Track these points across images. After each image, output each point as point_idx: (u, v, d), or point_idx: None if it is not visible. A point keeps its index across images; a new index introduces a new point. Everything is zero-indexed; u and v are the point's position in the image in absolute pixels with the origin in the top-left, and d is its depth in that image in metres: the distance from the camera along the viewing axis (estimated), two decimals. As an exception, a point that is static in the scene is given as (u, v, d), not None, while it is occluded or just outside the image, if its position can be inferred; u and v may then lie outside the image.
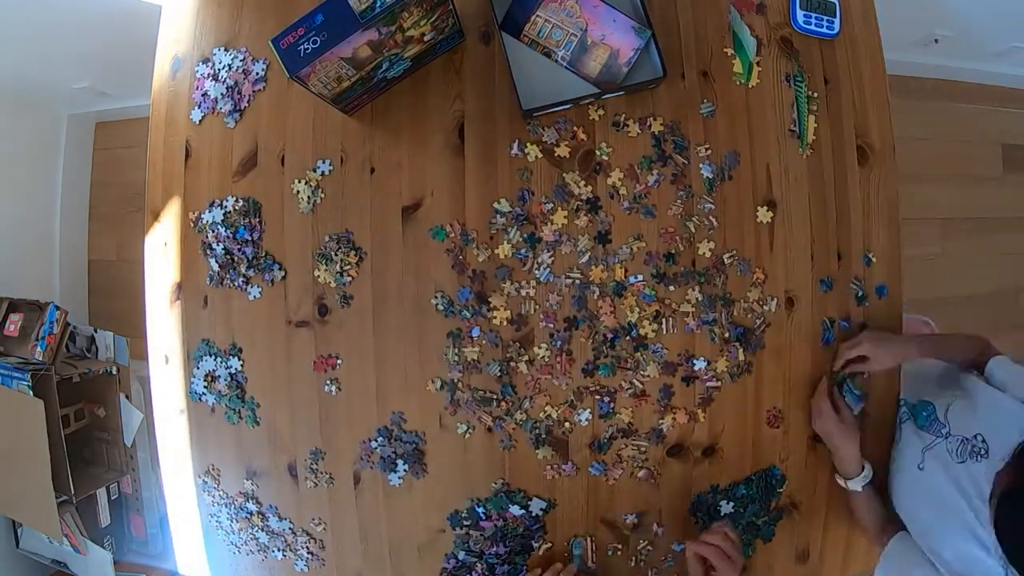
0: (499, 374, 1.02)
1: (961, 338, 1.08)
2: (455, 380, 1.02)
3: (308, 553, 1.11)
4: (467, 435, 1.03)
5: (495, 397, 1.02)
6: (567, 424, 1.04)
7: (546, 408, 1.03)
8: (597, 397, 1.03)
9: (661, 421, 1.05)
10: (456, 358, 1.02)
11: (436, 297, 1.02)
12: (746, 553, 1.10)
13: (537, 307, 1.02)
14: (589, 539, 1.07)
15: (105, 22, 1.63)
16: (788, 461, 1.10)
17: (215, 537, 1.16)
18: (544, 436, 1.03)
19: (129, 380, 1.81)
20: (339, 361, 1.04)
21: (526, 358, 1.02)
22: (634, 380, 1.03)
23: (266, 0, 1.08)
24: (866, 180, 1.10)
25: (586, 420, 1.03)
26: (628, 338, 1.03)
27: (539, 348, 1.02)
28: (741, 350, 1.06)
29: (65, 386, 1.60)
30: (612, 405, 1.03)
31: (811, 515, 1.13)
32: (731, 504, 1.08)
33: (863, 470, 1.04)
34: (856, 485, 1.04)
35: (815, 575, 1.16)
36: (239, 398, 1.08)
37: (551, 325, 1.02)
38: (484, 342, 1.02)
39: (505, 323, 1.01)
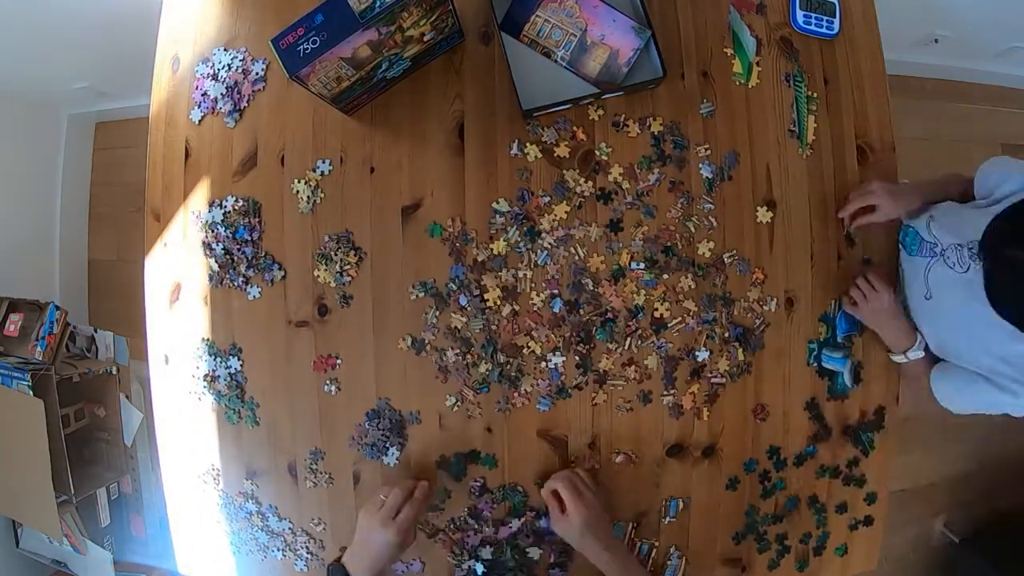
0: (482, 327, 1.02)
1: (953, 176, 1.06)
2: (426, 340, 1.02)
3: (308, 553, 1.11)
4: (454, 408, 1.03)
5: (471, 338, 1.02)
6: (544, 364, 1.03)
7: (528, 344, 1.02)
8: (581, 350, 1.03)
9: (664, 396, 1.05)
10: (435, 320, 1.02)
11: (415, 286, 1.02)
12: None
13: (532, 285, 1.02)
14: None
15: (105, 22, 1.63)
16: (788, 461, 1.10)
17: (215, 537, 1.16)
18: (517, 375, 1.02)
19: (129, 380, 1.81)
20: (339, 361, 1.04)
21: (512, 308, 1.01)
22: (633, 357, 1.04)
23: (266, 0, 1.08)
24: (866, 179, 1.10)
25: (559, 363, 1.02)
26: (636, 320, 1.03)
27: (533, 297, 1.02)
28: (740, 350, 1.06)
29: (65, 386, 1.60)
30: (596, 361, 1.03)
31: (811, 515, 1.13)
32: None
33: (916, 340, 1.02)
34: (916, 354, 1.03)
35: (815, 575, 1.16)
36: (239, 398, 1.08)
37: (546, 292, 1.02)
38: (469, 309, 1.02)
39: (497, 302, 1.01)
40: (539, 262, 1.02)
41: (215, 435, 1.11)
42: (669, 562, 1.10)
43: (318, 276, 1.04)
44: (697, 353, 1.04)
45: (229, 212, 1.07)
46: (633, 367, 1.04)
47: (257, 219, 1.06)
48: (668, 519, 1.08)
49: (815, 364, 1.09)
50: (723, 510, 1.10)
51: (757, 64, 1.07)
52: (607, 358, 1.04)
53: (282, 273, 1.05)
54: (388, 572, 0.96)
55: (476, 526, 1.05)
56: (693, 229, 1.04)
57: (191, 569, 1.18)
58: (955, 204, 0.99)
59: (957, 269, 0.91)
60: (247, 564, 1.15)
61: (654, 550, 1.09)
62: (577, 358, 1.03)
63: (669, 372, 1.05)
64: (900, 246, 1.07)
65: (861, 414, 1.12)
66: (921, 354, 1.03)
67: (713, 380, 1.05)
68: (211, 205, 1.08)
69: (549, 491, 0.98)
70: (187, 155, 1.10)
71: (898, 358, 1.06)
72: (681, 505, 1.08)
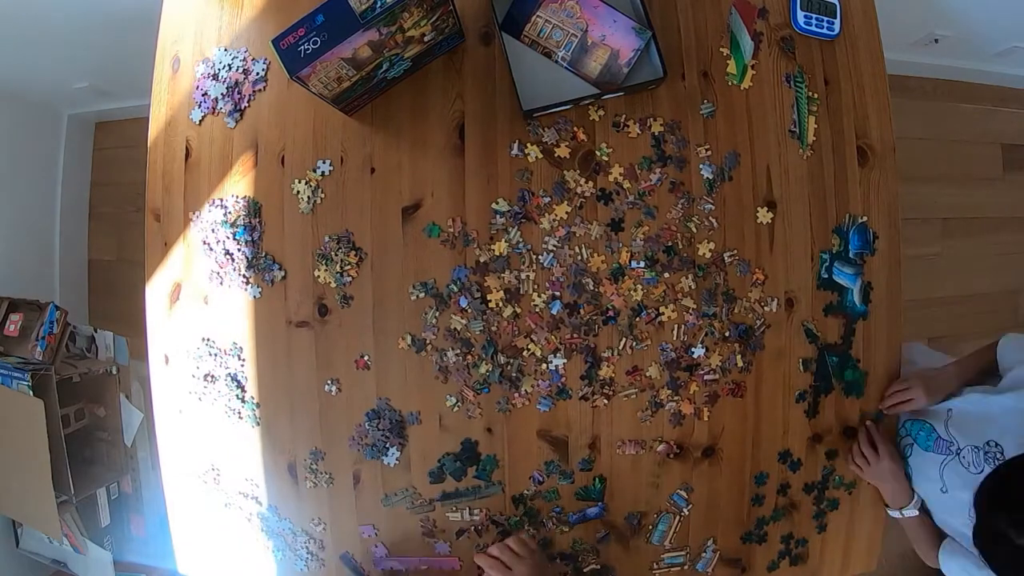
0: (482, 329, 1.02)
1: (979, 352, 1.08)
2: (426, 340, 1.02)
3: (308, 553, 1.11)
4: (455, 408, 1.03)
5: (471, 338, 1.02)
6: (544, 365, 1.03)
7: (529, 347, 1.02)
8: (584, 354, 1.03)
9: (661, 400, 1.05)
10: (435, 320, 1.02)
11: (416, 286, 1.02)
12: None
13: (535, 287, 1.02)
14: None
15: (105, 22, 1.63)
16: (788, 462, 1.10)
17: (215, 537, 1.16)
18: (518, 376, 1.02)
19: (129, 380, 1.81)
20: (368, 359, 1.04)
21: (514, 310, 1.02)
22: (632, 357, 1.04)
23: (266, 0, 1.08)
24: (866, 180, 1.10)
25: (560, 364, 1.03)
26: (639, 319, 1.03)
27: (535, 298, 1.02)
28: (740, 355, 1.06)
29: (65, 386, 1.59)
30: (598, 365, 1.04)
31: (811, 515, 1.14)
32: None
33: (913, 497, 1.05)
34: (911, 512, 1.05)
35: (815, 575, 1.16)
36: (239, 398, 1.08)
37: (548, 293, 1.02)
38: (470, 310, 1.02)
39: (499, 303, 1.01)
40: (545, 264, 1.02)
41: (215, 435, 1.11)
42: (703, 554, 1.11)
43: (318, 276, 1.04)
44: (693, 350, 1.04)
45: (229, 212, 1.07)
46: (637, 375, 1.04)
47: (257, 219, 1.06)
48: (684, 512, 1.09)
49: (826, 275, 1.08)
50: (723, 511, 1.10)
51: (752, 67, 1.06)
52: (607, 365, 1.03)
53: (282, 273, 1.05)
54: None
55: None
56: (694, 229, 1.04)
57: (191, 569, 1.18)
58: (974, 399, 1.01)
59: (972, 470, 0.93)
60: (247, 564, 1.15)
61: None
62: (582, 373, 1.03)
63: (673, 378, 1.05)
64: (908, 437, 1.08)
65: (862, 416, 1.12)
66: (915, 513, 1.05)
67: (706, 377, 1.05)
68: (211, 205, 1.08)
69: (484, 561, 0.96)
70: (187, 155, 1.10)
71: (894, 513, 1.08)
72: (685, 495, 1.09)
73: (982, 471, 0.91)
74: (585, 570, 1.09)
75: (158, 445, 1.16)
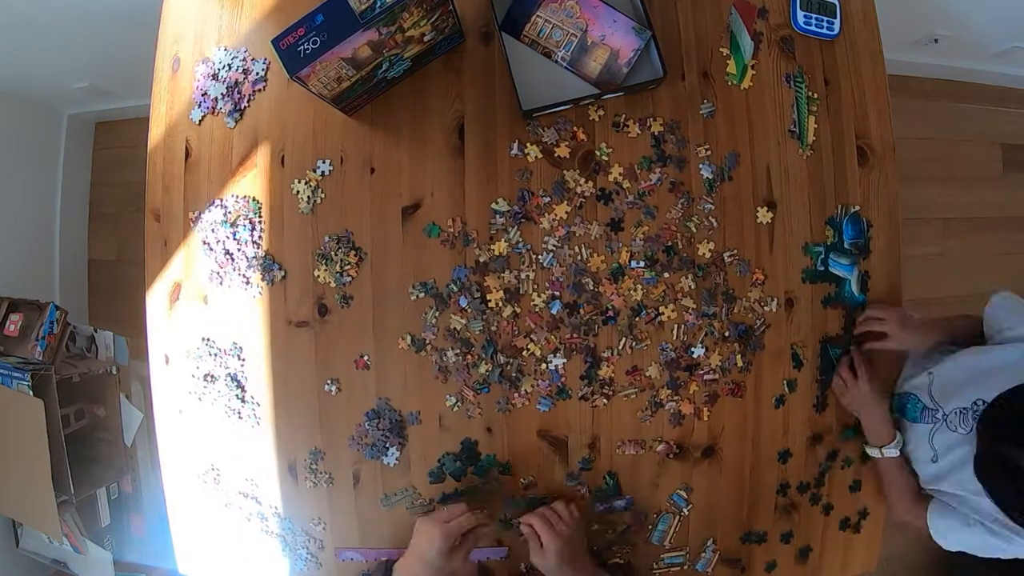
0: (481, 329, 1.02)
1: (964, 318, 1.08)
2: (426, 340, 1.02)
3: (308, 553, 1.11)
4: (454, 408, 1.03)
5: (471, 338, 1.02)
6: (544, 365, 1.03)
7: (528, 347, 1.02)
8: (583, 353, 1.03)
9: (660, 400, 1.05)
10: (435, 320, 1.02)
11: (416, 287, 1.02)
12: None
13: (535, 287, 1.02)
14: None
15: (105, 22, 1.63)
16: (788, 462, 1.10)
17: (215, 537, 1.16)
18: (517, 376, 1.02)
19: (129, 380, 1.81)
20: (368, 359, 1.04)
21: (513, 310, 1.02)
22: (632, 357, 1.04)
23: (266, 0, 1.08)
24: (866, 180, 1.10)
25: (560, 364, 1.02)
26: (638, 319, 1.03)
27: (535, 298, 1.02)
28: (740, 355, 1.06)
29: (65, 386, 1.59)
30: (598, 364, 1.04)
31: (811, 515, 1.14)
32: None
33: (895, 437, 1.03)
34: (891, 451, 1.03)
35: (815, 575, 1.16)
36: (239, 398, 1.08)
37: (547, 293, 1.02)
38: (469, 310, 1.02)
39: (499, 303, 1.01)
40: (545, 264, 1.02)
41: (215, 435, 1.11)
42: (703, 555, 1.11)
43: (318, 276, 1.04)
44: (693, 350, 1.04)
45: (229, 212, 1.07)
46: (637, 375, 1.04)
47: (257, 219, 1.06)
48: (685, 511, 1.09)
49: (822, 267, 1.08)
50: (722, 511, 1.10)
51: (752, 67, 1.06)
52: (607, 365, 1.03)
53: (282, 273, 1.05)
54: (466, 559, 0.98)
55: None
56: (694, 229, 1.04)
57: (191, 569, 1.18)
58: (955, 360, 1.00)
59: (960, 431, 0.93)
60: (247, 564, 1.15)
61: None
62: (582, 373, 1.03)
63: (673, 378, 1.05)
64: (898, 414, 1.08)
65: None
66: (896, 453, 1.04)
67: (706, 377, 1.05)
68: (211, 205, 1.08)
69: (526, 526, 0.98)
70: (187, 155, 1.10)
71: (873, 452, 1.07)
72: (685, 495, 1.09)
73: (970, 430, 0.90)
74: (609, 563, 1.09)
75: (158, 445, 1.16)
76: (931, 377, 1.02)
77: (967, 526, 0.95)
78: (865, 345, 1.08)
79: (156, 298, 1.13)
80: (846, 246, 1.09)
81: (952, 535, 0.99)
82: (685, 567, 1.11)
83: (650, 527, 1.09)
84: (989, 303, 1.02)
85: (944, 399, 0.98)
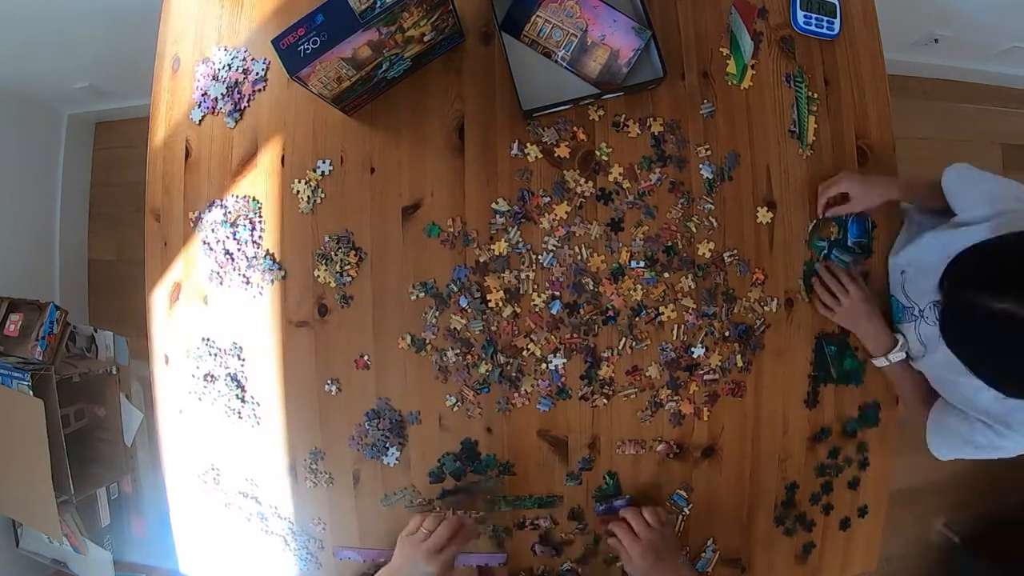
0: (481, 329, 1.02)
1: (929, 182, 1.02)
2: (426, 340, 1.02)
3: (308, 553, 1.11)
4: (454, 408, 1.03)
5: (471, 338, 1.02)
6: (544, 365, 1.03)
7: (528, 347, 1.02)
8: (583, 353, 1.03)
9: (660, 399, 1.05)
10: (435, 320, 1.02)
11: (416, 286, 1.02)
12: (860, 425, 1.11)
13: (535, 287, 1.02)
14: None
15: (105, 22, 1.63)
16: (788, 462, 1.10)
17: (214, 536, 1.16)
18: (517, 375, 1.02)
19: (129, 380, 1.81)
20: (367, 359, 1.04)
21: (513, 310, 1.02)
22: (632, 357, 1.04)
23: (266, 0, 1.08)
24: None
25: (560, 364, 1.02)
26: (638, 318, 1.03)
27: (535, 298, 1.02)
28: (740, 355, 1.06)
29: (65, 386, 1.59)
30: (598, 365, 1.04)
31: (811, 515, 1.13)
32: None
33: (896, 342, 1.02)
34: (895, 356, 1.02)
35: (815, 575, 1.16)
36: (239, 398, 1.08)
37: (547, 293, 1.02)
38: (469, 310, 1.02)
39: (499, 303, 1.01)
40: (545, 264, 1.02)
41: (215, 435, 1.11)
42: (703, 555, 1.11)
43: (318, 276, 1.04)
44: (693, 350, 1.04)
45: (229, 212, 1.07)
46: (637, 375, 1.04)
47: (257, 219, 1.06)
48: (686, 511, 1.09)
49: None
50: (722, 511, 1.10)
51: (752, 67, 1.06)
52: (607, 365, 1.03)
53: (282, 273, 1.05)
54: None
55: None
56: (694, 229, 1.04)
57: (192, 569, 1.18)
58: (920, 250, 0.99)
59: (938, 323, 0.92)
60: (247, 564, 1.15)
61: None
62: (582, 373, 1.03)
63: (673, 378, 1.05)
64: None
65: (860, 411, 1.12)
66: (903, 355, 1.02)
67: (706, 377, 1.05)
68: (211, 205, 1.08)
69: (611, 537, 0.99)
70: (187, 155, 1.10)
71: (879, 362, 1.04)
72: (685, 495, 1.09)
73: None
74: (618, 564, 1.09)
75: (158, 445, 1.16)
76: (903, 277, 1.02)
77: (965, 421, 0.93)
78: (833, 209, 1.04)
79: (156, 298, 1.13)
80: (850, 244, 1.09)
81: (947, 441, 0.97)
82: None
83: None
84: (943, 175, 0.98)
85: (918, 296, 0.97)
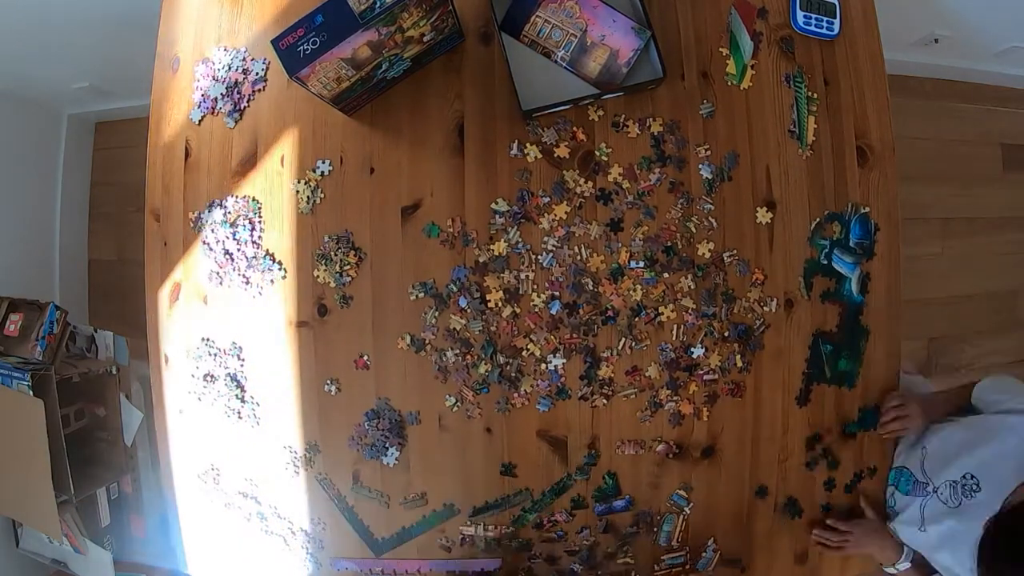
0: (481, 329, 1.02)
1: (956, 390, 1.12)
2: (425, 340, 1.02)
3: (307, 553, 1.11)
4: (454, 408, 1.03)
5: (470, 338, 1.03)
6: (544, 365, 1.03)
7: (528, 347, 1.02)
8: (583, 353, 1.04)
9: (659, 399, 1.05)
10: (434, 320, 1.02)
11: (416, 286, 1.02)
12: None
13: (535, 287, 1.02)
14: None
15: (105, 22, 1.63)
16: (788, 462, 1.10)
17: (214, 536, 1.16)
18: (517, 376, 1.02)
19: (129, 380, 1.81)
20: (367, 359, 1.04)
21: (513, 310, 1.02)
22: (632, 357, 1.04)
23: (266, 0, 1.08)
24: (866, 180, 1.10)
25: (559, 364, 1.03)
26: (638, 319, 1.03)
27: (534, 298, 1.02)
28: (739, 355, 1.06)
29: (65, 386, 1.59)
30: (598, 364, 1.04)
31: (811, 516, 1.13)
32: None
33: (903, 550, 1.06)
34: (904, 565, 1.07)
35: (815, 575, 1.16)
36: (239, 398, 1.08)
37: (547, 293, 1.02)
38: (469, 311, 1.02)
39: (498, 303, 1.01)
40: (544, 264, 1.02)
41: (215, 435, 1.11)
42: (703, 554, 1.11)
43: (318, 276, 1.04)
44: (692, 350, 1.04)
45: (229, 212, 1.07)
46: (636, 375, 1.04)
47: (257, 219, 1.06)
48: (686, 511, 1.09)
49: (825, 261, 1.08)
50: (722, 510, 1.10)
51: (752, 67, 1.06)
52: (607, 365, 1.03)
53: (282, 273, 1.05)
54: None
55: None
56: (693, 229, 1.04)
57: (193, 568, 1.18)
58: (944, 436, 1.04)
59: (950, 504, 0.96)
60: (247, 564, 1.15)
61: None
62: (581, 373, 1.03)
63: (672, 378, 1.05)
64: (891, 486, 1.11)
65: (860, 414, 1.12)
66: (908, 564, 1.07)
67: (706, 377, 1.05)
68: (211, 205, 1.08)
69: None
70: (187, 155, 1.10)
71: (890, 571, 1.10)
72: (685, 495, 1.09)
73: (959, 504, 0.94)
74: (619, 560, 1.09)
75: (158, 445, 1.16)
76: (924, 452, 1.05)
77: None
78: (887, 431, 1.09)
79: (156, 298, 1.13)
80: (851, 244, 1.09)
81: None
82: (686, 566, 1.11)
83: (655, 530, 1.09)
84: (978, 385, 1.06)
85: (935, 473, 1.01)
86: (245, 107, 1.07)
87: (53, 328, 1.64)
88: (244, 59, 1.08)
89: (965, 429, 1.02)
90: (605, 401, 1.04)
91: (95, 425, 1.76)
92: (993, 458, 0.92)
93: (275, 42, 0.80)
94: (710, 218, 1.05)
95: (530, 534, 1.08)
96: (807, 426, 1.10)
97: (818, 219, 1.08)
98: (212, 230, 1.08)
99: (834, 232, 1.09)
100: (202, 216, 1.09)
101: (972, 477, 0.94)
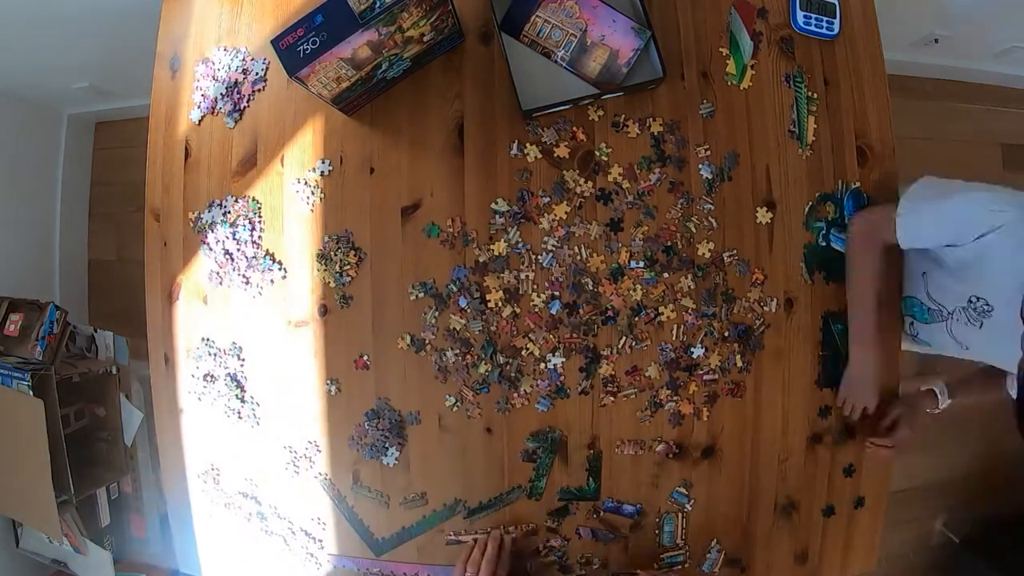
0: (481, 329, 1.02)
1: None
2: (425, 340, 1.02)
3: (307, 553, 1.11)
4: (454, 408, 1.03)
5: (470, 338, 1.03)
6: (543, 365, 1.03)
7: (528, 347, 1.02)
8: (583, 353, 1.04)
9: (659, 399, 1.05)
10: (434, 320, 1.02)
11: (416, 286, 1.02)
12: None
13: (535, 287, 1.02)
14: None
15: (105, 22, 1.63)
16: (788, 462, 1.10)
17: (214, 536, 1.16)
18: (517, 375, 1.02)
19: (129, 380, 1.81)
20: (367, 359, 1.04)
21: (513, 310, 1.02)
22: (631, 357, 1.04)
23: (266, 0, 1.08)
24: (866, 181, 1.10)
25: (559, 364, 1.03)
26: (638, 319, 1.03)
27: (534, 298, 1.02)
28: (739, 355, 1.06)
29: (65, 386, 1.59)
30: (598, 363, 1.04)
31: (811, 515, 1.13)
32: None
33: (936, 396, 1.12)
34: (945, 403, 1.12)
35: (815, 575, 1.16)
36: (239, 398, 1.08)
37: (547, 293, 1.02)
38: (469, 311, 1.02)
39: (498, 303, 1.01)
40: (544, 264, 1.02)
41: (215, 435, 1.11)
42: (708, 555, 1.11)
43: (318, 276, 1.04)
44: (692, 350, 1.04)
45: (229, 212, 1.07)
46: (636, 375, 1.04)
47: (257, 219, 1.06)
48: (687, 508, 1.09)
49: (824, 243, 1.08)
50: (723, 511, 1.10)
51: (752, 67, 1.06)
52: (607, 363, 1.03)
53: (282, 273, 1.05)
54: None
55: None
56: (693, 229, 1.04)
57: (192, 568, 1.18)
58: (938, 275, 1.02)
59: (973, 324, 0.96)
60: (247, 564, 1.15)
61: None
62: (581, 366, 1.03)
63: (672, 378, 1.05)
64: (908, 316, 1.10)
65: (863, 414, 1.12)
66: (948, 401, 1.12)
67: (706, 377, 1.05)
68: (211, 205, 1.08)
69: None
70: (187, 155, 1.10)
71: (944, 404, 1.14)
72: (685, 492, 1.08)
73: (981, 325, 0.94)
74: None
75: (158, 445, 1.16)
76: (925, 278, 1.04)
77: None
78: (876, 449, 1.10)
79: (156, 298, 1.13)
80: (846, 221, 1.09)
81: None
82: (687, 565, 1.11)
83: (657, 531, 1.09)
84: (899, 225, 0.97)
85: (942, 299, 1.00)
86: (245, 107, 1.07)
87: (53, 328, 1.64)
88: (244, 59, 1.08)
89: (950, 273, 0.98)
90: (612, 399, 1.04)
91: (95, 425, 1.77)
92: (990, 277, 0.90)
93: (275, 42, 0.80)
94: (710, 218, 1.05)
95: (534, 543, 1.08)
96: (808, 426, 1.10)
97: (811, 202, 1.08)
98: (212, 230, 1.08)
99: (828, 212, 1.08)
100: (202, 216, 1.09)
101: (979, 299, 0.93)
